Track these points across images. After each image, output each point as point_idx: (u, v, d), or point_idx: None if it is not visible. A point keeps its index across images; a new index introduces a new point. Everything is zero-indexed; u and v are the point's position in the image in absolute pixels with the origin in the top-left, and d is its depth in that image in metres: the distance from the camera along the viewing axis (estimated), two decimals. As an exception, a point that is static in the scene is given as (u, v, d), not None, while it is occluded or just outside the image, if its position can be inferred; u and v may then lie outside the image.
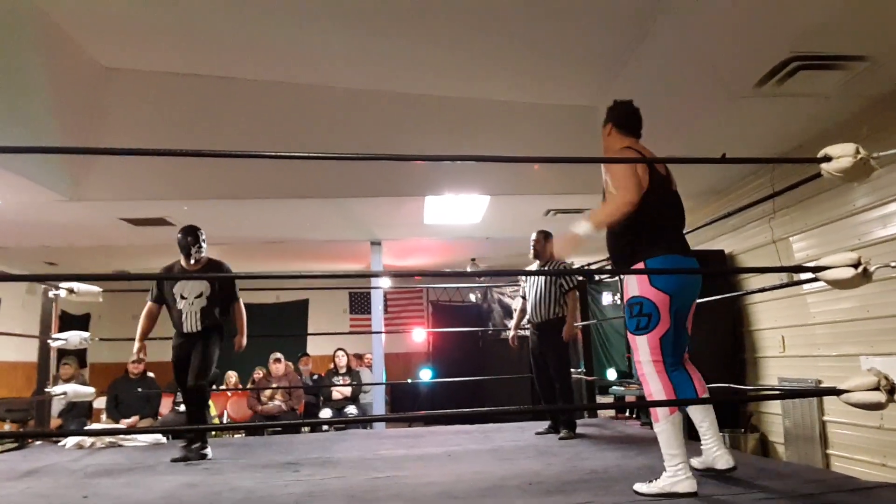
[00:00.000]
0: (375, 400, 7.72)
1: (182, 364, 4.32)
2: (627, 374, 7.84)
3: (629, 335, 2.81)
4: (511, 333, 5.05)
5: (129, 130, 5.22)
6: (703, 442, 2.86)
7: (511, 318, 10.16)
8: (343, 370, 7.85)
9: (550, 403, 4.72)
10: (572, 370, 4.92)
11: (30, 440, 5.30)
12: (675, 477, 2.56)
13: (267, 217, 6.48)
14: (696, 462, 2.86)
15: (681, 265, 2.72)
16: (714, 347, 5.46)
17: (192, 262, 4.27)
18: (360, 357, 9.41)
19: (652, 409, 2.73)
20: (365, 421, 7.05)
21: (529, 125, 5.60)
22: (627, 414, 6.94)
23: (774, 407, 5.10)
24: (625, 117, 2.95)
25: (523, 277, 4.88)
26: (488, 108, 5.60)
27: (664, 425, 2.64)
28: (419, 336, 10.80)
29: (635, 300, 2.71)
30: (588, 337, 5.99)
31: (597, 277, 8.93)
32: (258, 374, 8.04)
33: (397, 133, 5.55)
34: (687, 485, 2.53)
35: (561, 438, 4.39)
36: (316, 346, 10.04)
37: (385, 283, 9.04)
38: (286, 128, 5.43)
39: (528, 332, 4.88)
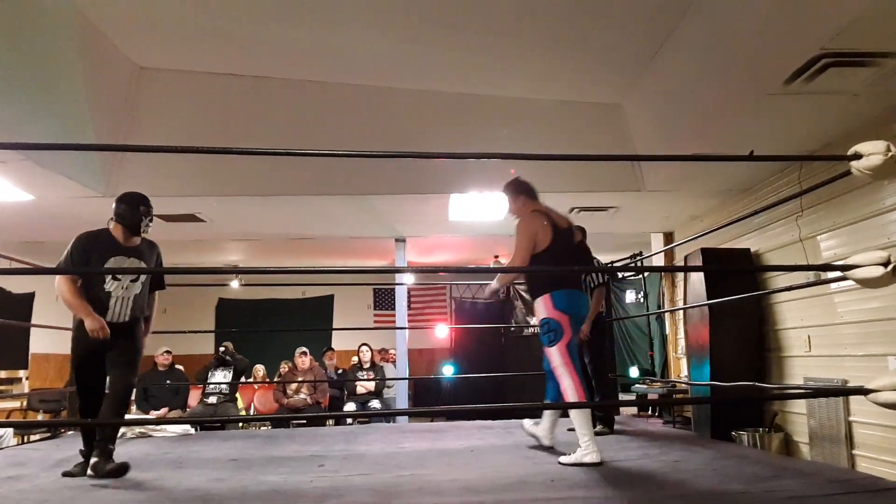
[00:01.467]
0: (399, 394, 7.79)
1: (94, 360, 3.47)
2: (650, 372, 7.82)
3: (544, 348, 3.55)
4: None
5: (162, 128, 5.33)
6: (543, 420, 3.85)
7: (534, 315, 10.22)
8: (367, 365, 7.93)
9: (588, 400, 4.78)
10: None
11: (63, 430, 5.45)
12: (586, 451, 3.31)
13: (294, 213, 6.57)
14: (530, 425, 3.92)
15: (575, 296, 3.60)
16: (738, 346, 5.43)
17: (138, 238, 3.52)
18: (384, 352, 9.49)
19: (567, 398, 3.50)
20: (388, 415, 7.11)
21: (555, 122, 5.60)
22: (650, 412, 6.93)
23: (799, 406, 5.05)
24: (529, 189, 3.79)
25: None
26: (514, 106, 5.61)
27: (581, 412, 3.40)
28: (442, 332, 10.85)
29: (545, 321, 3.53)
30: (610, 335, 5.98)
31: (620, 275, 8.93)
32: (284, 367, 8.15)
33: (423, 131, 5.59)
34: (594, 456, 3.29)
35: (596, 433, 4.33)
36: (340, 342, 10.16)
37: (409, 279, 9.10)
38: (314, 126, 5.50)
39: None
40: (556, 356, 3.49)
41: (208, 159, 5.35)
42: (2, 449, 5.30)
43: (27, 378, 8.30)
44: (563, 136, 5.55)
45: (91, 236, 3.50)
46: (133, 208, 3.48)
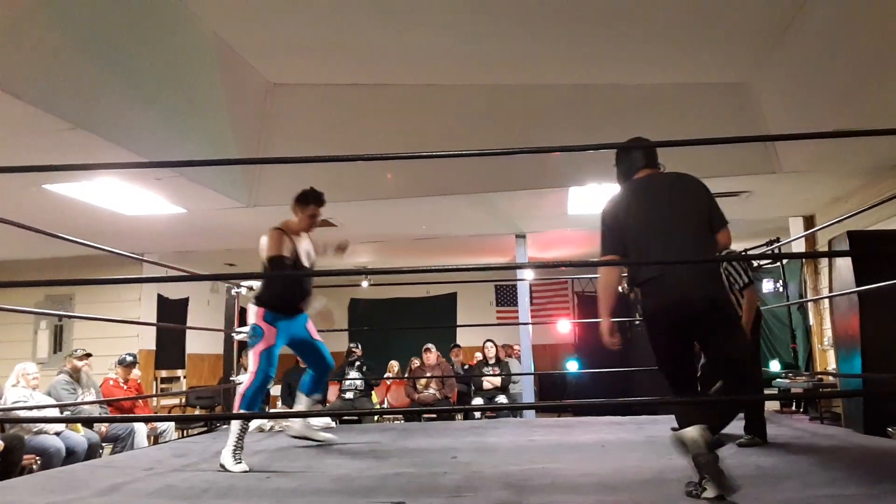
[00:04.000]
0: (524, 390, 7.81)
1: None
2: (793, 366, 7.34)
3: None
4: None
5: (294, 140, 5.68)
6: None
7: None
8: (492, 360, 8.02)
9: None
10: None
11: (218, 424, 5.93)
12: (234, 459, 3.57)
13: (417, 214, 6.78)
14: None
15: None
16: (893, 336, 4.96)
17: None
18: (508, 348, 9.54)
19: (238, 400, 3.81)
20: (516, 408, 7.15)
21: (677, 107, 5.40)
22: (794, 408, 6.51)
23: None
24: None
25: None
26: (631, 94, 5.46)
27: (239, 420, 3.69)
28: (565, 327, 10.74)
29: (252, 326, 3.89)
30: (756, 332, 5.63)
31: (755, 263, 8.42)
32: (414, 363, 8.42)
33: (538, 125, 5.58)
34: (242, 466, 3.54)
35: (745, 444, 3.80)
36: (464, 338, 10.32)
37: (530, 275, 9.09)
38: (432, 128, 5.65)
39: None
40: (251, 360, 3.97)
41: (338, 167, 5.63)
42: (166, 441, 5.88)
43: (185, 377, 9.08)
44: (687, 120, 5.34)
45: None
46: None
